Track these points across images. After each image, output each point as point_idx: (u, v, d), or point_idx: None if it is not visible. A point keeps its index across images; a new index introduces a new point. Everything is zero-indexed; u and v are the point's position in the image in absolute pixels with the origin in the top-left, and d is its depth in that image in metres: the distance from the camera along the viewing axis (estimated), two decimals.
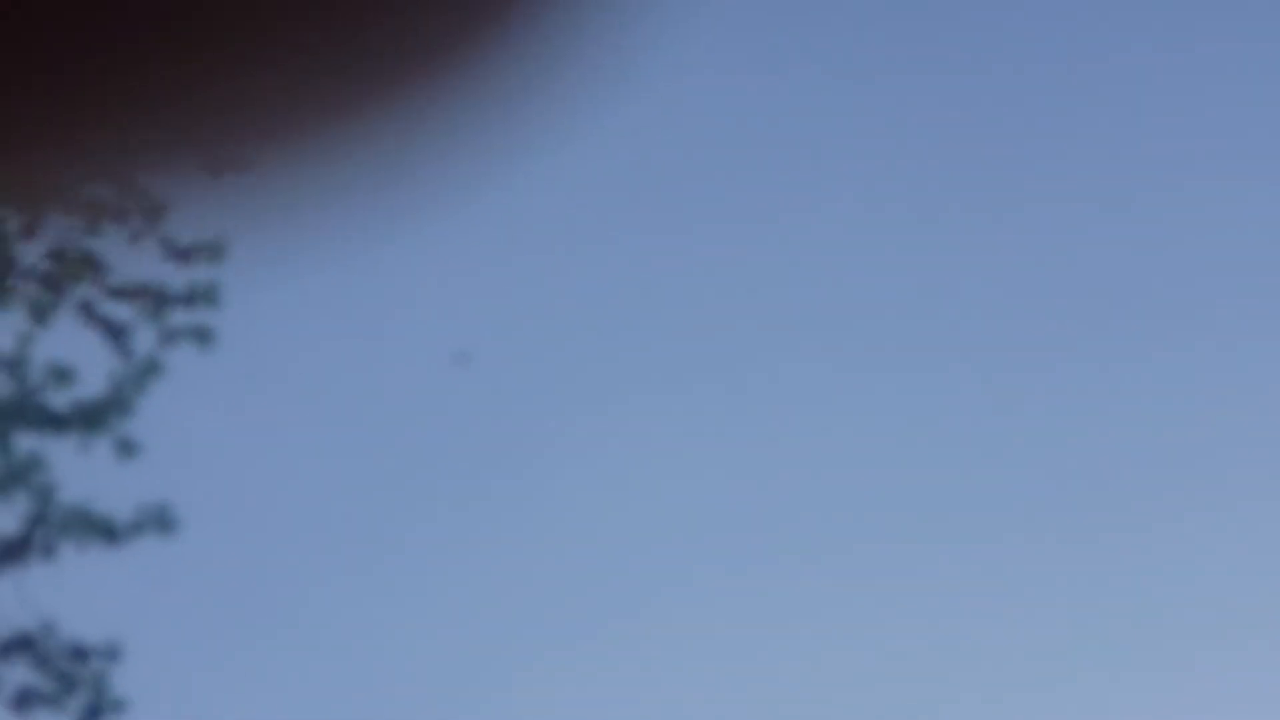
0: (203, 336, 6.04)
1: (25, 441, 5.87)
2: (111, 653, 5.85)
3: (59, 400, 5.92)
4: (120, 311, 6.00)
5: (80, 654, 5.82)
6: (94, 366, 5.96)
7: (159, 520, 5.92)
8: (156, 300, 6.00)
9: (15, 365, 5.93)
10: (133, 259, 5.97)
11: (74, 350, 5.92)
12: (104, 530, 5.84)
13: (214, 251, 6.02)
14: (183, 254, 6.02)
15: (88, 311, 5.97)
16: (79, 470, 5.92)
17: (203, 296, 6.02)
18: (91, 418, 5.90)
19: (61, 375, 5.93)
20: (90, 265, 5.92)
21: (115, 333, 5.99)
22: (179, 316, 6.03)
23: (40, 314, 5.96)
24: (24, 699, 5.77)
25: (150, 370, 6.00)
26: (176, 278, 6.04)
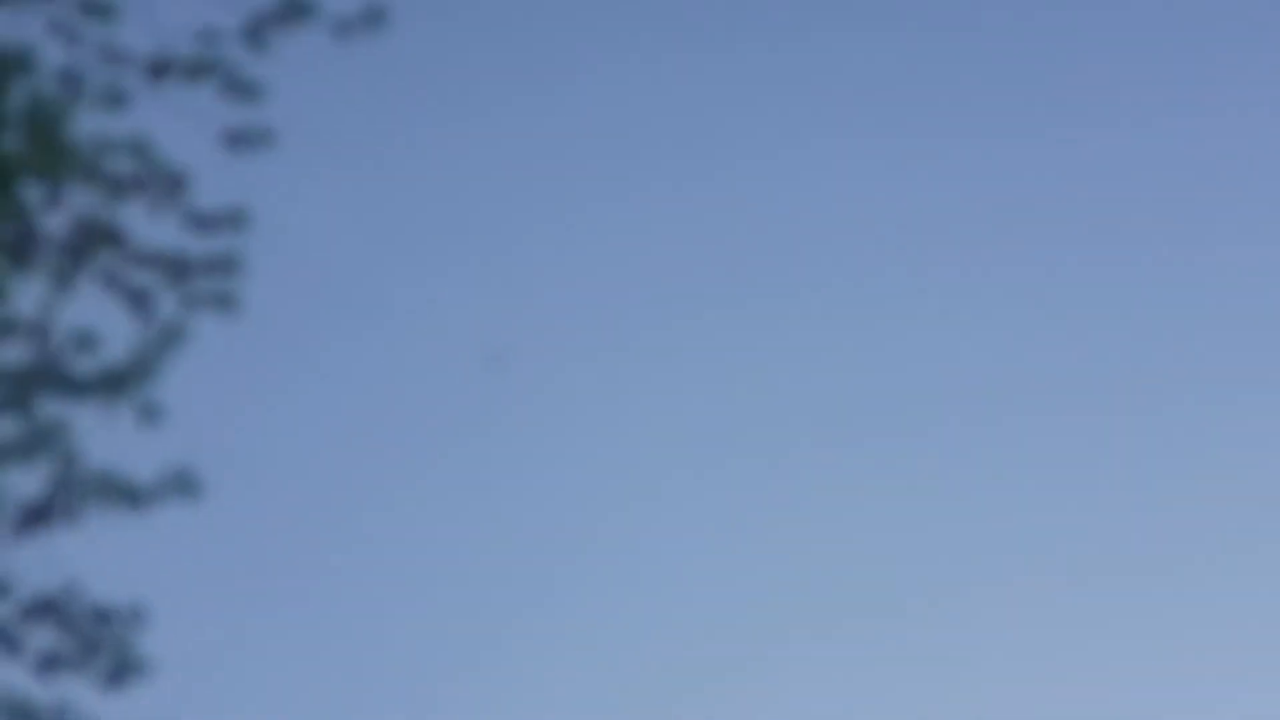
0: (226, 303, 6.09)
1: (49, 407, 5.92)
2: (135, 616, 5.89)
3: (82, 366, 5.97)
4: (142, 279, 6.05)
5: (104, 616, 5.86)
6: (117, 334, 6.01)
7: (182, 484, 5.96)
8: (178, 269, 6.04)
9: (39, 332, 5.98)
10: (155, 228, 6.02)
11: (97, 318, 5.97)
12: (128, 494, 5.89)
13: (237, 220, 6.07)
14: (205, 223, 6.06)
15: (110, 279, 6.02)
16: (102, 435, 5.97)
17: (225, 264, 6.07)
18: (114, 383, 5.94)
19: (85, 342, 5.97)
20: (112, 235, 5.97)
21: (137, 300, 6.04)
22: (202, 284, 6.07)
23: (63, 282, 6.01)
24: (49, 662, 5.81)
25: (173, 336, 6.05)
26: (200, 246, 6.09)
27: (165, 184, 6.01)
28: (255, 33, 6.05)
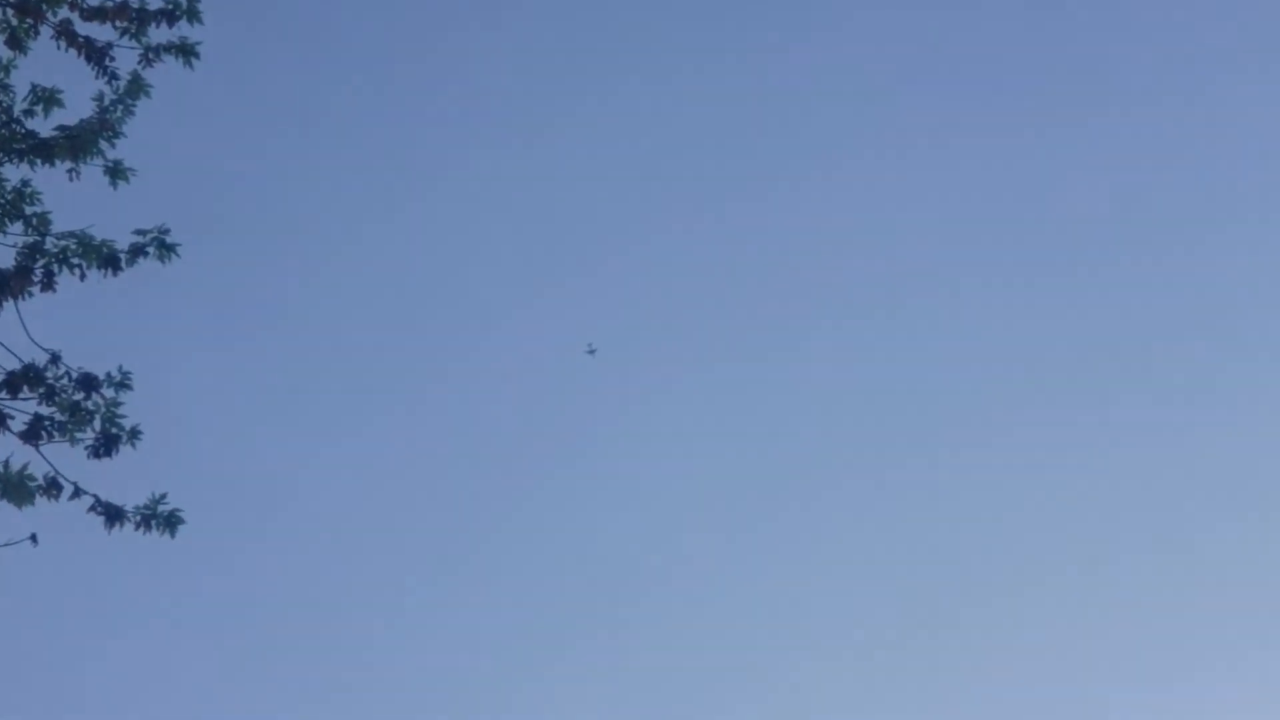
0: (185, 52, 5.88)
1: (14, 172, 5.73)
2: (121, 382, 5.76)
3: (45, 127, 5.77)
4: (100, 32, 5.83)
5: (89, 383, 5.73)
6: (78, 91, 5.80)
7: (159, 244, 5.81)
8: (137, 18, 5.82)
9: None
10: None
11: (56, 75, 5.76)
12: (105, 257, 5.72)
13: None
14: None
15: (66, 35, 5.79)
16: (73, 198, 5.80)
17: (184, 11, 5.85)
18: (79, 142, 5.75)
19: (46, 100, 5.76)
20: None
21: (96, 54, 5.82)
22: (160, 33, 5.86)
23: (17, 40, 5.79)
24: (34, 429, 5.67)
25: (135, 90, 5.85)
26: None
27: None
28: None
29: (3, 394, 5.62)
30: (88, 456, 5.73)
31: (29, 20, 5.74)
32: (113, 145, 5.82)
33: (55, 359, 5.70)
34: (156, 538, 5.71)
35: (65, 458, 5.70)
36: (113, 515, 5.67)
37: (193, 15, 5.84)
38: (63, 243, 5.70)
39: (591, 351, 15.91)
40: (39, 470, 5.64)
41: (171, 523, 5.72)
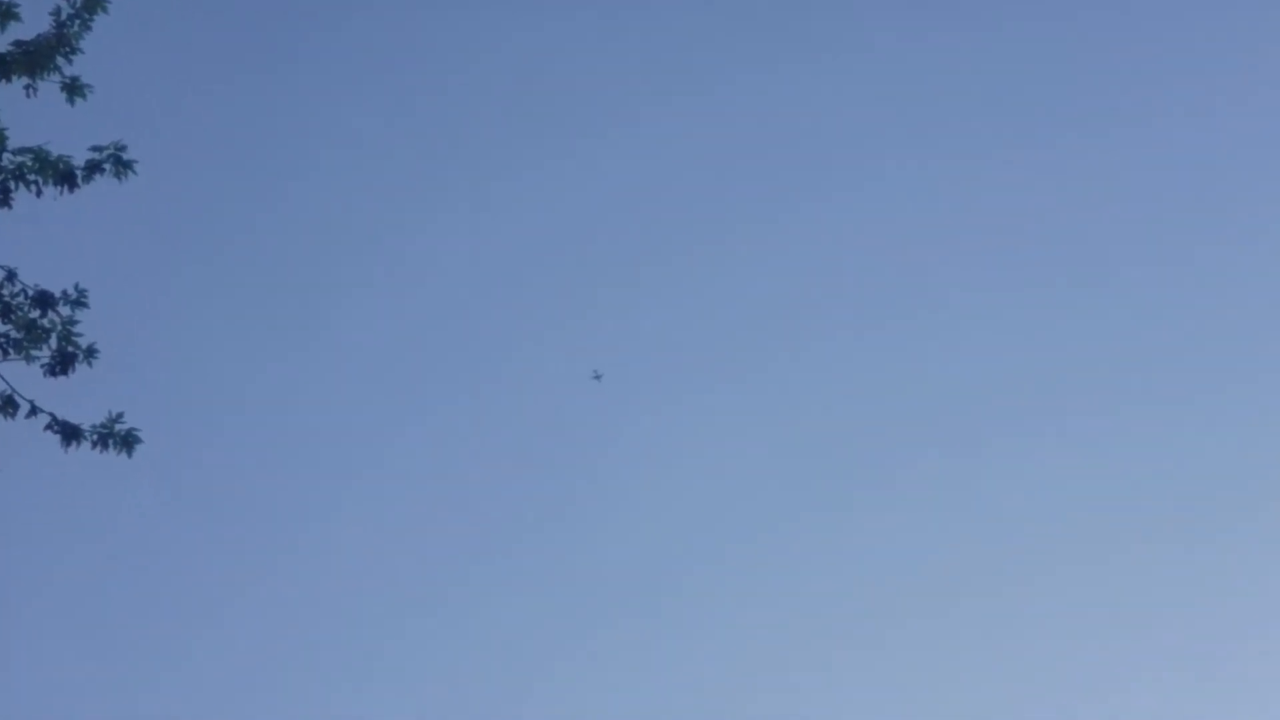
0: None
1: None
2: (78, 300, 5.73)
3: (1, 42, 5.71)
4: None
5: (45, 301, 5.70)
6: (34, 5, 5.74)
7: (116, 161, 5.76)
8: None
9: None
10: None
11: None
12: (61, 173, 5.68)
13: None
14: None
15: None
16: (29, 114, 5.75)
17: None
18: (36, 58, 5.70)
19: (2, 15, 5.70)
20: None
21: None
22: None
23: None
24: None
25: (93, 5, 5.78)
26: None
27: None
28: None
29: None
30: (44, 374, 5.71)
31: None
32: (70, 61, 5.76)
33: (11, 276, 5.67)
34: (113, 456, 5.70)
35: (21, 376, 5.69)
36: (69, 434, 5.66)
37: None
38: (19, 159, 5.65)
39: (597, 377, 16.14)
40: None
41: (128, 442, 5.71)
